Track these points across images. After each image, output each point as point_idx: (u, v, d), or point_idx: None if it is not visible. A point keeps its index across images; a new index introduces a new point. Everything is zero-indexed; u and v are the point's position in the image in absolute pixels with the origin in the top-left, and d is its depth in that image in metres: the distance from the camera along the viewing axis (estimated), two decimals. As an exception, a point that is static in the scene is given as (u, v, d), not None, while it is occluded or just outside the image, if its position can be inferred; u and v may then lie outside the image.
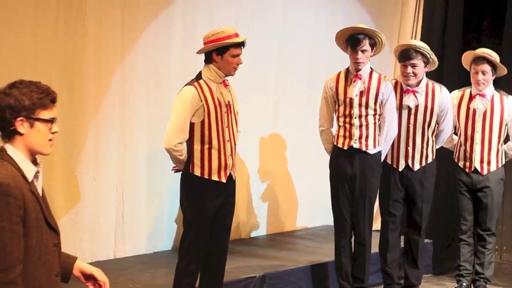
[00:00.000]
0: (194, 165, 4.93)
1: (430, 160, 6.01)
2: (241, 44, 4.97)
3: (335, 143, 5.79)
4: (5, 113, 2.77)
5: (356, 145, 5.69)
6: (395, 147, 5.93)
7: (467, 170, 6.19)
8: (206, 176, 4.92)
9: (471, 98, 6.14)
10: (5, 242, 2.69)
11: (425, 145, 5.96)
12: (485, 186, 6.17)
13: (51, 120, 2.86)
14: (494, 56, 6.03)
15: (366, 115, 5.68)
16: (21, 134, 2.81)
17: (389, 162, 5.96)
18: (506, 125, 6.14)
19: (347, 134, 5.70)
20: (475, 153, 6.15)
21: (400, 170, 5.93)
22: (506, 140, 6.24)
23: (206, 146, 4.91)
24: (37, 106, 2.81)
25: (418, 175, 5.98)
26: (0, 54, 5.48)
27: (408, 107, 5.86)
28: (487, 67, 6.01)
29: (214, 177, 4.93)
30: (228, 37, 4.94)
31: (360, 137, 5.69)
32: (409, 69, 5.77)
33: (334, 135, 5.84)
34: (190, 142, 4.96)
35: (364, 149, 5.70)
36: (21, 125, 2.80)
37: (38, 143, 2.85)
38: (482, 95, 6.09)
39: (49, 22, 5.77)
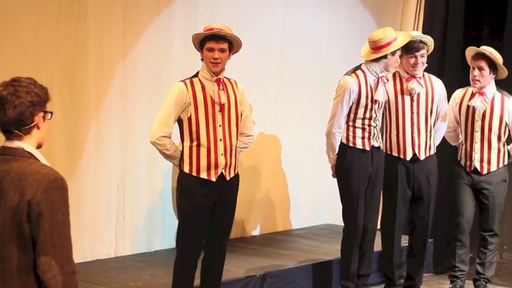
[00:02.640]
0: (184, 162, 4.92)
1: (433, 152, 6.03)
2: (215, 37, 4.85)
3: (350, 144, 5.67)
4: (28, 109, 2.84)
5: (376, 144, 5.72)
6: (400, 136, 5.93)
7: (467, 169, 6.19)
8: (194, 174, 4.89)
9: (472, 96, 6.15)
10: (67, 235, 2.79)
11: (428, 134, 5.98)
12: (485, 188, 6.15)
13: (52, 113, 2.97)
14: (496, 56, 6.02)
15: (377, 116, 5.71)
16: (38, 128, 2.89)
17: (396, 154, 5.96)
18: (507, 125, 6.13)
19: (366, 134, 5.67)
20: (474, 151, 6.14)
21: (408, 159, 5.93)
22: (509, 141, 6.22)
23: (194, 143, 4.88)
24: (47, 99, 2.91)
25: (424, 171, 5.98)
26: (1, 52, 5.48)
27: (411, 92, 5.89)
28: (483, 63, 6.01)
29: (203, 175, 4.89)
30: (207, 31, 4.89)
31: (377, 136, 5.73)
32: (419, 60, 5.87)
33: (345, 136, 5.68)
34: (181, 139, 4.97)
35: (380, 146, 5.77)
36: (40, 119, 2.89)
37: (44, 136, 2.94)
38: (482, 94, 6.09)
39: (50, 20, 5.77)
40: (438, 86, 6.06)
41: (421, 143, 5.95)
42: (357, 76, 5.62)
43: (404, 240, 6.28)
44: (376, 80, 5.63)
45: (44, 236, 2.73)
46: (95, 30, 6.03)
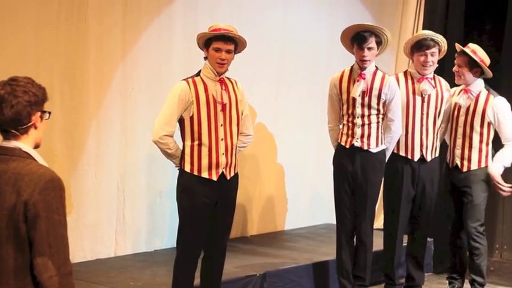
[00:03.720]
0: (185, 162, 4.91)
1: (437, 153, 6.03)
2: (223, 38, 4.84)
3: (339, 141, 5.79)
4: (25, 108, 2.83)
5: (357, 144, 5.69)
6: (409, 137, 5.92)
7: (450, 165, 6.14)
8: (196, 173, 4.88)
9: (459, 93, 6.12)
10: (64, 236, 2.79)
11: (435, 135, 5.98)
12: (465, 186, 6.03)
13: (50, 112, 2.97)
14: (480, 55, 5.91)
15: (369, 115, 5.68)
16: (36, 128, 2.89)
17: (403, 154, 5.95)
18: (490, 124, 5.95)
19: (349, 132, 5.70)
20: (456, 147, 6.07)
21: (416, 160, 5.91)
22: (498, 143, 6.07)
23: (196, 143, 4.88)
24: (45, 99, 2.91)
25: (430, 173, 5.97)
26: (1, 51, 5.49)
27: (423, 93, 5.88)
28: (460, 61, 5.96)
29: (204, 175, 4.88)
30: (214, 31, 4.89)
31: (362, 136, 5.68)
32: (429, 58, 5.86)
33: (339, 132, 5.82)
34: (182, 138, 4.97)
35: (365, 147, 5.69)
36: (38, 119, 2.88)
37: (42, 136, 2.94)
38: (466, 91, 6.02)
39: (51, 20, 5.78)
40: (446, 88, 6.04)
41: (429, 144, 5.94)
42: (342, 73, 5.75)
43: (404, 240, 6.28)
44: (358, 76, 5.66)
45: (40, 236, 2.73)
46: (95, 30, 6.04)
